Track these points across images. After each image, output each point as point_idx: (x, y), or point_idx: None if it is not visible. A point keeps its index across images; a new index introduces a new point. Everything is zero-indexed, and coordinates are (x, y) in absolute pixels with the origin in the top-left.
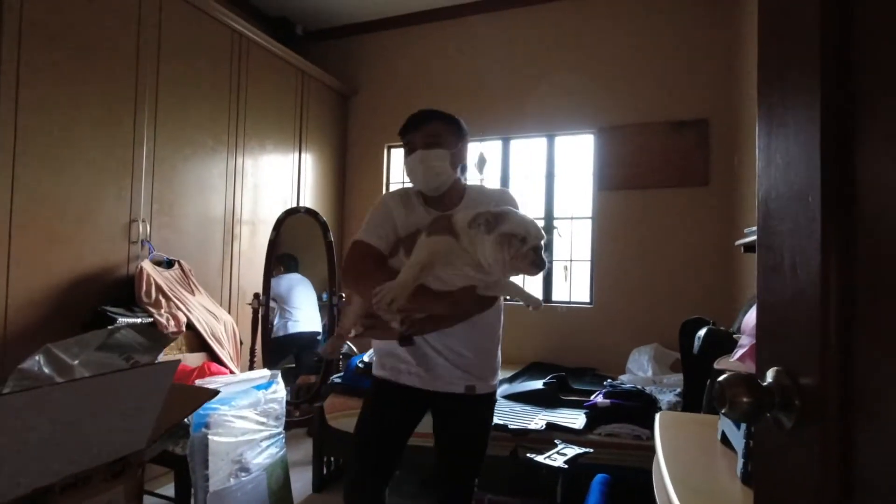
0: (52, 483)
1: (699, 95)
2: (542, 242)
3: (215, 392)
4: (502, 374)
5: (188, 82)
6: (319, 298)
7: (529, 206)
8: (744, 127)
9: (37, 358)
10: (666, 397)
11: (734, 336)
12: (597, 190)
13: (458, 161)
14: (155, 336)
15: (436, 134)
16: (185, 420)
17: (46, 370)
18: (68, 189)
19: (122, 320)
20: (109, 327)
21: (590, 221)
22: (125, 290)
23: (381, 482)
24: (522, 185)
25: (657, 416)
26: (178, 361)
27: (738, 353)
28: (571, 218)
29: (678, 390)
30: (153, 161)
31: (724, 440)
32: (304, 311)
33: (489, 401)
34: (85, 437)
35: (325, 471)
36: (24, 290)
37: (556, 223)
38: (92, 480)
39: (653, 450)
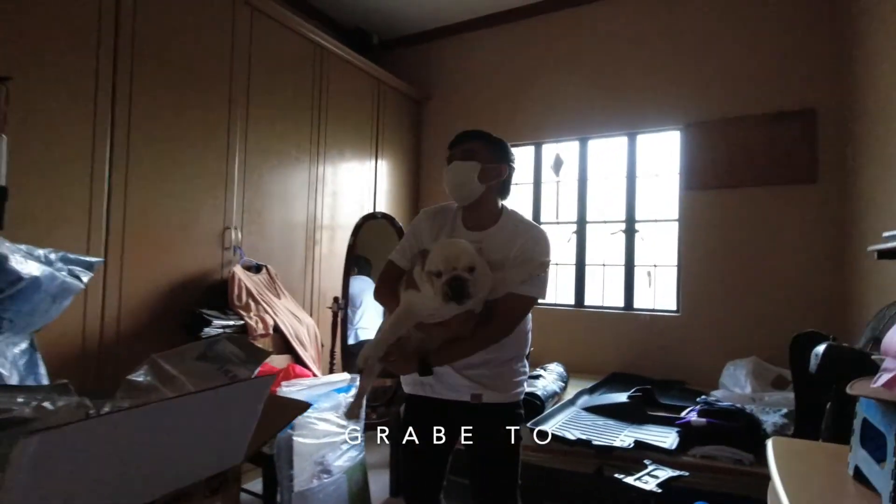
0: (153, 500)
1: (804, 83)
2: (465, 274)
3: (307, 405)
4: (582, 385)
5: (274, 94)
6: None
7: (608, 209)
8: (860, 116)
9: (143, 369)
10: (770, 418)
11: (870, 356)
12: (684, 190)
13: (492, 178)
14: (252, 350)
15: (471, 149)
16: None
17: (151, 380)
18: (172, 199)
19: (216, 322)
20: (207, 338)
21: (676, 224)
22: (219, 294)
23: (431, 491)
24: (601, 186)
25: (769, 443)
26: (274, 377)
27: (884, 377)
28: (655, 220)
29: (784, 411)
30: (244, 171)
31: (859, 476)
32: (371, 315)
33: (504, 412)
34: (187, 452)
35: (402, 474)
36: (135, 293)
37: (637, 226)
38: (192, 497)
39: (756, 476)
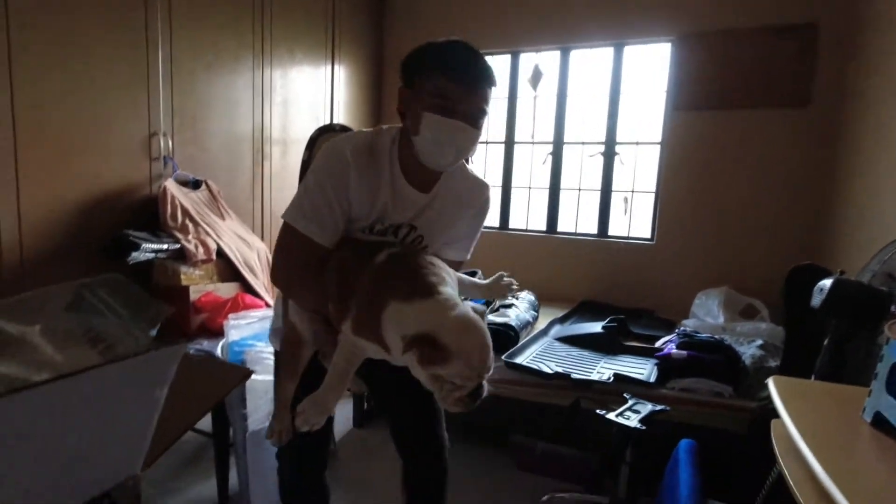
0: None
1: None
2: (487, 375)
3: (248, 372)
4: (553, 314)
5: None
6: None
7: (587, 130)
8: (867, 28)
9: None
10: (748, 350)
11: (891, 295)
12: (670, 110)
13: None
14: (143, 302)
15: (485, 105)
16: (219, 355)
17: None
18: (75, 95)
19: (146, 245)
20: (78, 282)
21: (658, 147)
22: (149, 213)
23: (321, 461)
24: (581, 104)
25: (770, 382)
26: (185, 346)
27: None
28: (637, 143)
29: (759, 342)
30: (170, 65)
31: (879, 422)
32: None
33: None
34: (39, 470)
35: (365, 406)
36: (39, 211)
37: (617, 149)
38: None
39: (736, 409)
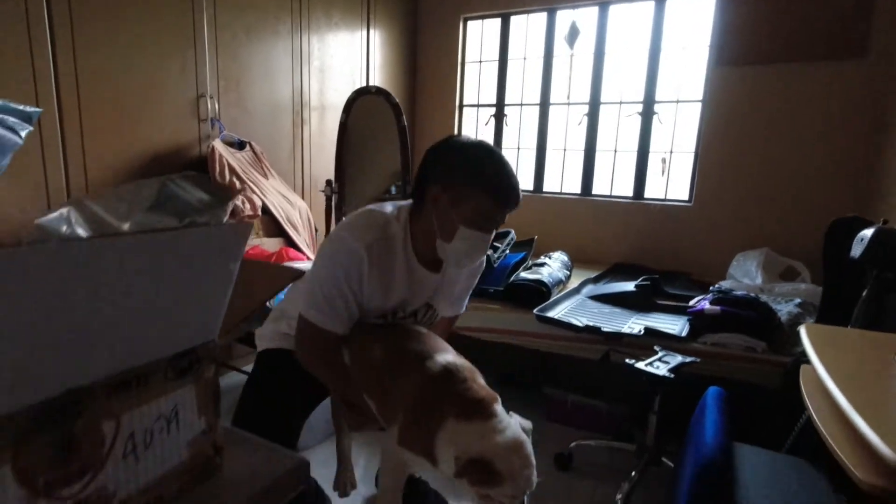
0: (92, 383)
1: None
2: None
3: (300, 272)
4: (586, 275)
5: None
6: (387, 192)
7: (625, 90)
8: None
9: (63, 212)
10: (784, 308)
11: None
12: (713, 66)
13: None
14: (216, 191)
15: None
16: (267, 304)
17: (80, 230)
18: (130, 60)
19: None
20: (161, 179)
21: (699, 105)
22: (199, 172)
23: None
24: (619, 62)
25: (802, 329)
26: (251, 225)
27: None
28: (677, 101)
29: (798, 300)
30: (215, 28)
31: None
32: None
33: None
34: (137, 318)
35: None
36: (102, 169)
37: (656, 108)
38: (150, 380)
39: (769, 364)
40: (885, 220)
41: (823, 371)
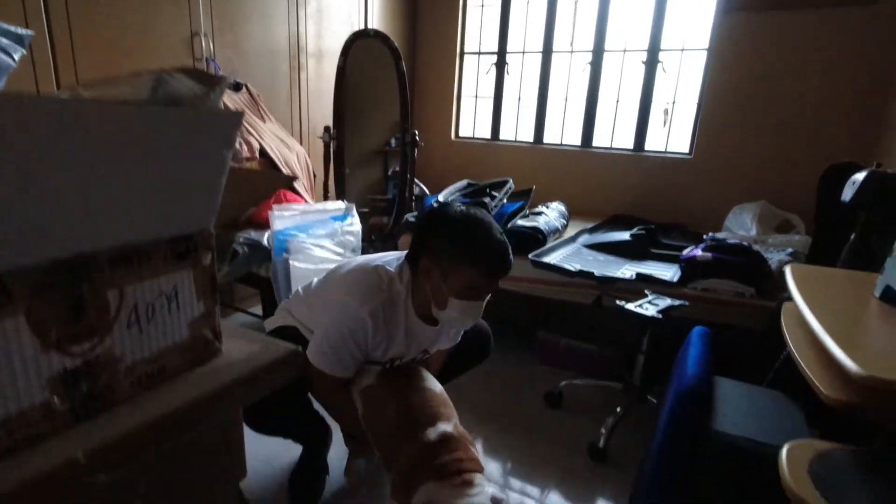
0: (96, 251)
1: None
2: None
3: (291, 178)
4: (583, 226)
5: None
6: (387, 144)
7: (628, 38)
8: None
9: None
10: (776, 256)
11: None
12: (720, 13)
13: None
14: (207, 77)
15: None
16: (265, 243)
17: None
18: None
19: None
20: (158, 68)
21: (704, 54)
22: None
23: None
24: (625, 6)
25: (787, 269)
26: (242, 113)
27: None
28: (682, 49)
29: (790, 250)
30: None
31: (888, 296)
32: None
33: None
34: (132, 195)
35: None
36: None
37: (661, 56)
38: (151, 258)
39: (756, 308)
40: (878, 164)
41: (802, 302)
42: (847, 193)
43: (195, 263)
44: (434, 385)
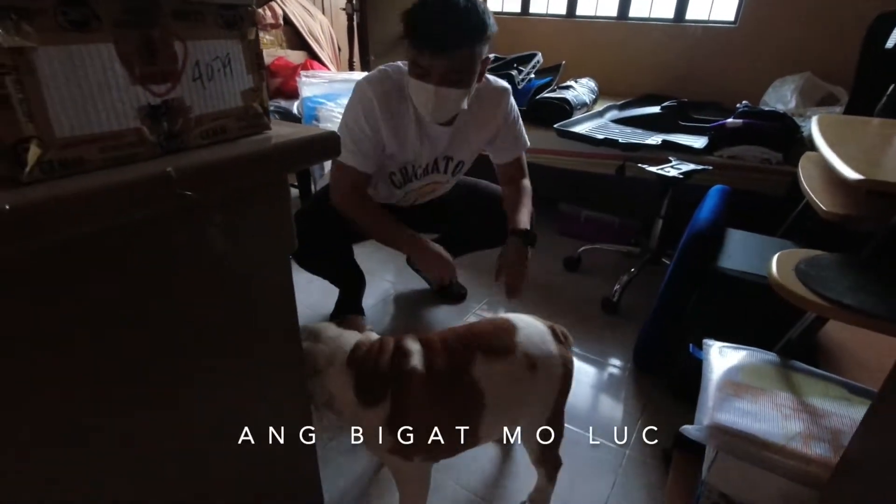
0: None
1: None
2: None
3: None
4: (610, 102)
5: None
6: None
7: None
8: None
9: None
10: (809, 125)
11: None
12: None
13: (480, 78)
14: None
15: (461, 70)
16: (295, 112)
17: None
18: None
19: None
20: None
21: None
22: None
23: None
24: None
25: (814, 118)
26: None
27: None
28: None
29: None
30: None
31: None
32: None
33: None
34: None
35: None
36: None
37: None
38: (206, 18)
39: (781, 174)
40: None
41: (819, 136)
42: (892, 41)
43: (243, 36)
44: None
